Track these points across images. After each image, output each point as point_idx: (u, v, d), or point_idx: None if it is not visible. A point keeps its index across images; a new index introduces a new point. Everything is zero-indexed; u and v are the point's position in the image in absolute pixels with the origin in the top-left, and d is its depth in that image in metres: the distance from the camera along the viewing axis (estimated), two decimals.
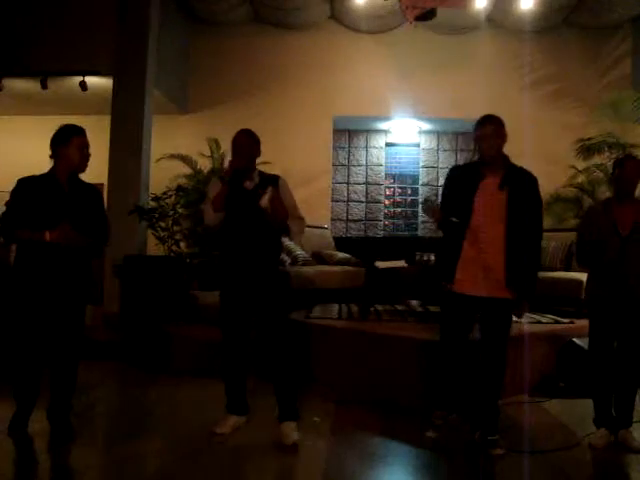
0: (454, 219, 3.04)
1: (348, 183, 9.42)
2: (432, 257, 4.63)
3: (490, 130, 2.98)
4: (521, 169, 3.12)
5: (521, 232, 2.97)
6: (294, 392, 3.17)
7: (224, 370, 3.24)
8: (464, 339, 3.15)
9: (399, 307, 5.20)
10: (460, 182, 3.12)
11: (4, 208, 3.06)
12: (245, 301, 3.16)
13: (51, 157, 3.10)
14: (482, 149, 3.02)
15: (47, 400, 3.11)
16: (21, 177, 3.06)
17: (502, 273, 2.96)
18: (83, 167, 3.14)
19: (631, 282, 3.00)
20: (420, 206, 2.93)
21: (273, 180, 3.20)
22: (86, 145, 3.12)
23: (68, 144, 3.05)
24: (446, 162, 9.16)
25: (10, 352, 3.17)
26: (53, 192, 3.04)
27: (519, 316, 3.15)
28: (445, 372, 3.21)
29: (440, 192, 3.68)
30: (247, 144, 3.16)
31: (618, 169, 3.17)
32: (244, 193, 3.13)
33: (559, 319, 4.77)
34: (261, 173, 3.24)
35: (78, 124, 3.13)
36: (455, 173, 3.25)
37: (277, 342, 3.16)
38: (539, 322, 4.67)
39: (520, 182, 3.02)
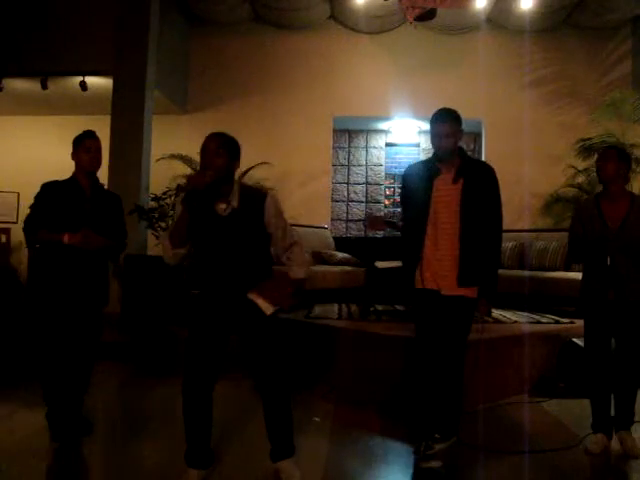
0: (399, 222, 3.04)
1: (348, 183, 9.42)
2: None
3: (447, 128, 2.85)
4: (477, 161, 3.07)
5: (476, 225, 2.86)
6: (289, 424, 2.62)
7: (186, 410, 2.59)
8: (439, 338, 2.94)
9: (399, 307, 5.19)
10: (416, 180, 3.01)
11: (29, 211, 3.14)
12: (224, 341, 2.57)
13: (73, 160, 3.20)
14: (437, 146, 2.91)
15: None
16: (45, 182, 3.13)
17: (457, 270, 2.87)
18: (92, 167, 3.17)
19: (622, 275, 2.95)
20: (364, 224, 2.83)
21: (259, 198, 2.52)
22: (94, 147, 3.17)
23: (79, 147, 3.14)
24: None
25: (33, 355, 3.20)
26: (75, 196, 3.11)
27: (481, 316, 2.96)
28: (419, 374, 3.03)
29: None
30: (215, 152, 2.45)
31: None
32: (217, 219, 2.46)
33: (559, 319, 4.77)
34: (243, 189, 2.54)
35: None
36: (411, 171, 3.13)
37: (271, 378, 2.57)
38: (539, 322, 4.67)
39: (475, 174, 2.91)
